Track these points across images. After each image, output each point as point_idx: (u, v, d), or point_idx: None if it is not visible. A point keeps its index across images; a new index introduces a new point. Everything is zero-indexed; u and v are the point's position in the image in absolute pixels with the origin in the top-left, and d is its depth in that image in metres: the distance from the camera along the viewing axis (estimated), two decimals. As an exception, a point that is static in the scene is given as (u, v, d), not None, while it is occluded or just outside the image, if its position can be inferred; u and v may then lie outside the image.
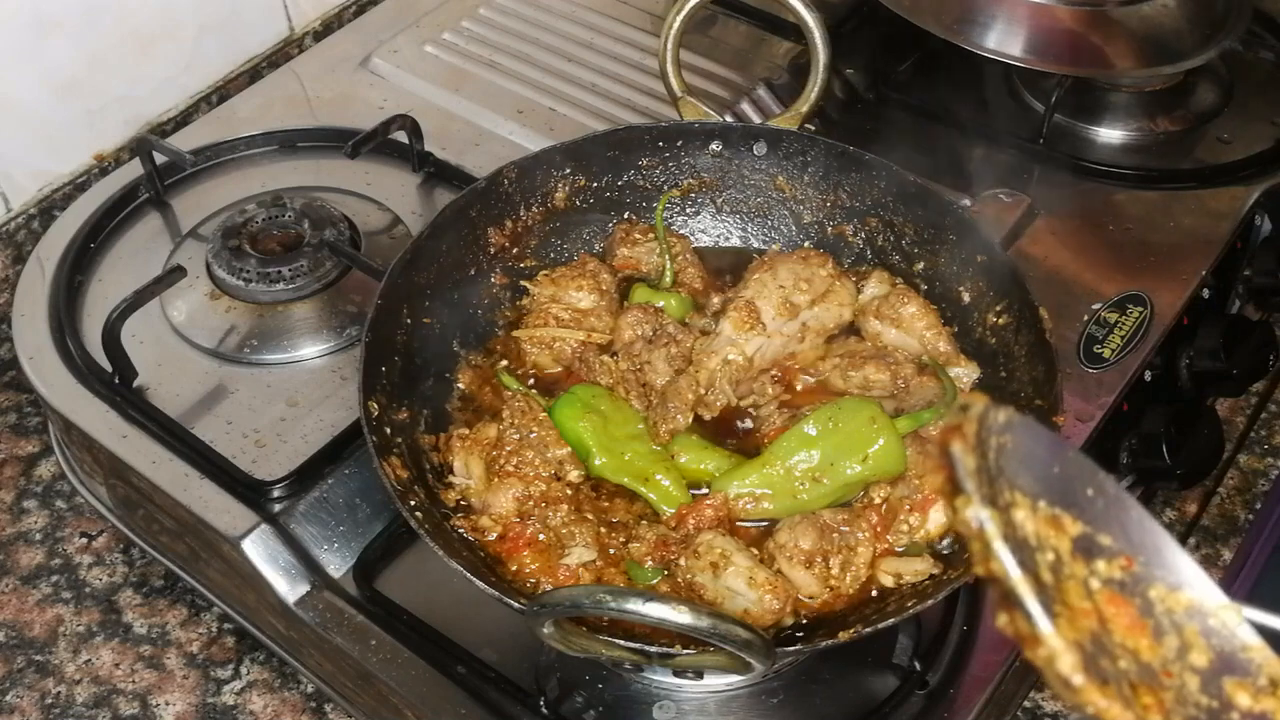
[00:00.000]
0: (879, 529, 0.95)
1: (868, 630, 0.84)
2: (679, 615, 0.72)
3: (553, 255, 1.17)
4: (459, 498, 0.99)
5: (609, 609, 0.72)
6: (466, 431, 1.02)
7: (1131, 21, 1.37)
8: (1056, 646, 0.47)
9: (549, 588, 0.93)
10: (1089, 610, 0.51)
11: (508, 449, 0.99)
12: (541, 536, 0.95)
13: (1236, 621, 0.56)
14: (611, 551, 0.96)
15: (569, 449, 1.00)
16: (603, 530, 0.97)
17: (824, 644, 0.86)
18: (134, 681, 1.10)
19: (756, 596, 0.89)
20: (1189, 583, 0.56)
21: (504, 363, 1.10)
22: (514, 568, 0.95)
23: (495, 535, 0.96)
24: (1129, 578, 0.54)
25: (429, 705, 0.98)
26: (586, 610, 0.74)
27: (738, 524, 0.98)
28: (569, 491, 0.99)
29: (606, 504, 0.99)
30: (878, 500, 0.97)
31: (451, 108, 1.45)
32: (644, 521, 0.98)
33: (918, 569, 0.93)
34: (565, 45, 1.53)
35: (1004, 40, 1.35)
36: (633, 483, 0.99)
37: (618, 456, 1.00)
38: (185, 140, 1.39)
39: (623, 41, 1.54)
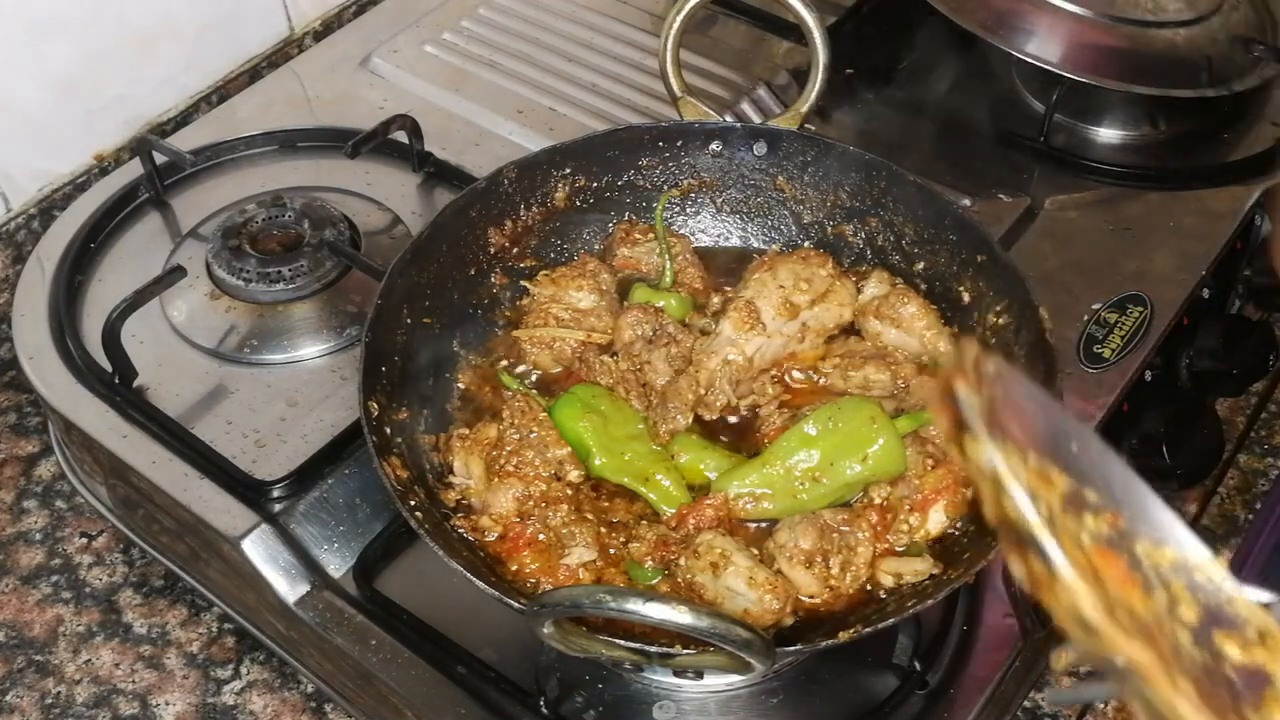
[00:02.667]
0: (879, 529, 0.95)
1: (868, 630, 0.84)
2: (679, 615, 0.72)
3: (553, 255, 1.17)
4: (459, 498, 0.99)
5: (609, 609, 0.72)
6: (466, 431, 1.02)
7: (1177, 40, 1.37)
8: (1078, 588, 0.45)
9: (549, 588, 0.93)
10: (1083, 562, 0.49)
11: (508, 449, 0.99)
12: (541, 536, 0.95)
13: (1221, 576, 0.55)
14: (611, 551, 0.96)
15: (569, 449, 1.00)
16: (603, 530, 0.97)
17: (824, 644, 0.86)
18: (134, 681, 1.10)
19: (756, 596, 0.89)
20: (1173, 538, 0.55)
21: (504, 362, 1.10)
22: (514, 568, 0.95)
23: (495, 535, 0.96)
24: (1115, 533, 0.53)
25: (429, 705, 0.98)
26: (586, 610, 0.74)
27: (738, 524, 0.98)
28: (569, 491, 0.99)
29: (606, 504, 0.99)
30: (878, 500, 0.97)
31: (451, 108, 1.45)
32: (644, 521, 0.98)
33: (918, 569, 0.93)
34: (565, 45, 1.53)
35: (1044, 47, 1.35)
36: (633, 483, 0.99)
37: (618, 456, 1.00)
38: (185, 140, 1.39)
39: (623, 41, 1.54)
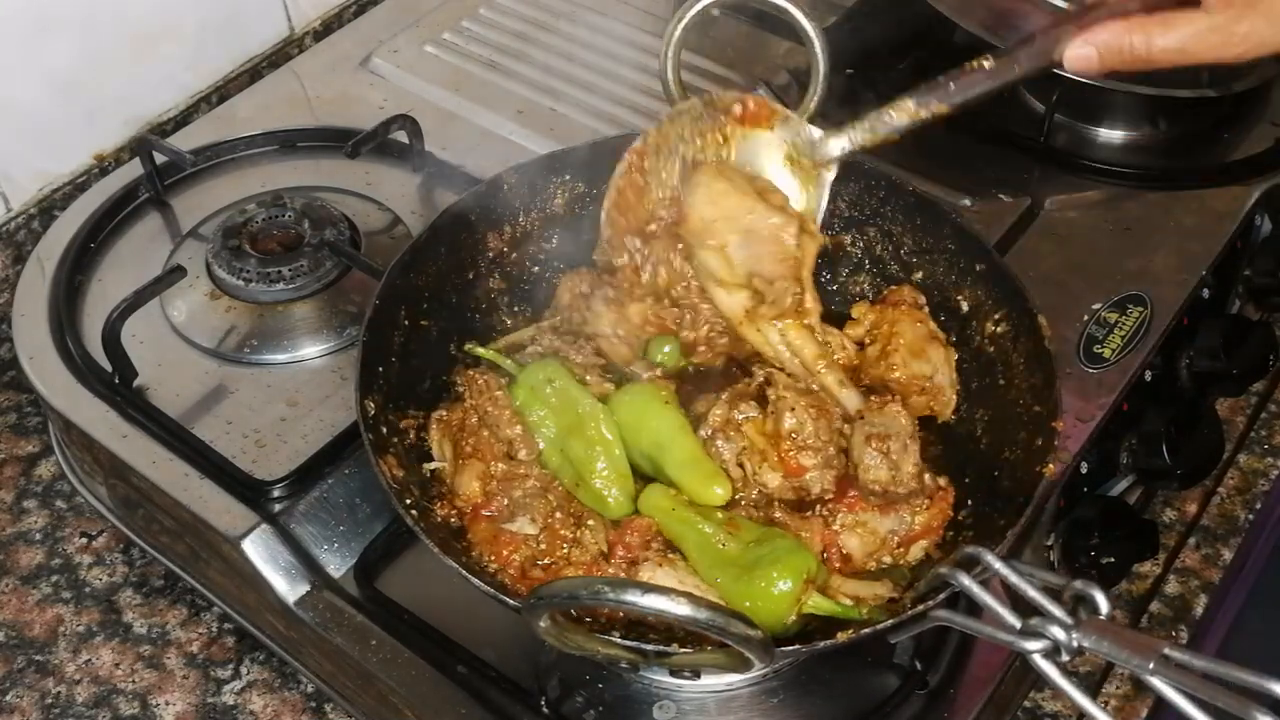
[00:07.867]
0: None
1: (866, 631, 0.84)
2: (677, 607, 0.70)
3: (554, 262, 1.17)
4: (433, 479, 0.99)
5: (607, 600, 0.71)
6: (444, 414, 1.02)
7: None
8: None
9: (493, 560, 0.93)
10: None
11: (468, 431, 0.99)
12: (506, 503, 0.95)
13: None
14: (562, 532, 0.95)
15: (520, 428, 0.99)
16: (558, 515, 0.95)
17: (822, 644, 0.85)
18: (134, 681, 1.10)
19: None
20: None
21: (469, 344, 1.08)
22: (470, 537, 0.95)
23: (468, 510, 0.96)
24: None
25: (429, 705, 0.98)
26: (584, 601, 0.73)
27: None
28: (533, 470, 0.98)
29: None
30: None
31: (451, 108, 1.45)
32: (591, 522, 0.95)
33: (878, 592, 0.91)
34: (565, 45, 1.53)
35: None
36: (568, 484, 0.98)
37: (558, 451, 0.99)
38: (185, 140, 1.40)
39: (623, 41, 1.54)
